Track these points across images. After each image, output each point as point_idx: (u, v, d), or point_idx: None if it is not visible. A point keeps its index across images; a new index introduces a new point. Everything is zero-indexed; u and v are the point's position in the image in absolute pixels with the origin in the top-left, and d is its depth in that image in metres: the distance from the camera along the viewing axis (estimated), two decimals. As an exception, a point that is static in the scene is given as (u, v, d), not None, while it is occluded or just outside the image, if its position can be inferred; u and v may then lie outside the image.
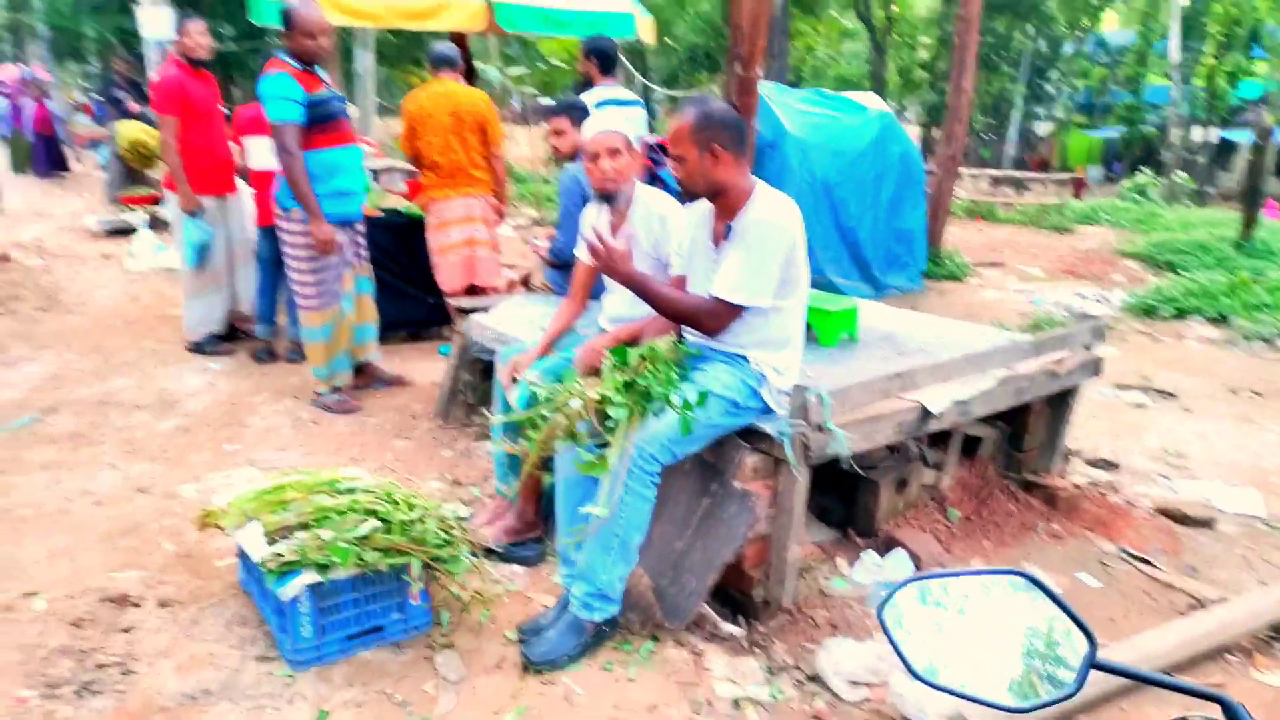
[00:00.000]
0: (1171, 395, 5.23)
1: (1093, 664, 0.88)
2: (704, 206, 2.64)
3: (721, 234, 2.58)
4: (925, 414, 2.94)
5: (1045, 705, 0.89)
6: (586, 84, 5.06)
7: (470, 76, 7.18)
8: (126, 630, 2.66)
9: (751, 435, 2.73)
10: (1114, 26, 36.06)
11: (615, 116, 3.08)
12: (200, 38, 4.99)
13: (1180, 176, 19.72)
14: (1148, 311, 7.37)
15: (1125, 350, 6.30)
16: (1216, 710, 0.84)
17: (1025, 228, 13.85)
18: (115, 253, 8.09)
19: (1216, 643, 2.67)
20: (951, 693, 0.92)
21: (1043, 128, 32.92)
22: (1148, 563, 3.24)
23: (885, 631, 0.96)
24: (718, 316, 2.53)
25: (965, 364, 3.06)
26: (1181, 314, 7.20)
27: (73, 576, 2.93)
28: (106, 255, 8.13)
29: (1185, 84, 25.37)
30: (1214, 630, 2.68)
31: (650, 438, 2.49)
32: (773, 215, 2.48)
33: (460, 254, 5.01)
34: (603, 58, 4.97)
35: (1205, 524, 3.58)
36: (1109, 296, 8.43)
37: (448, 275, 5.02)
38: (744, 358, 2.61)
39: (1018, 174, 17.99)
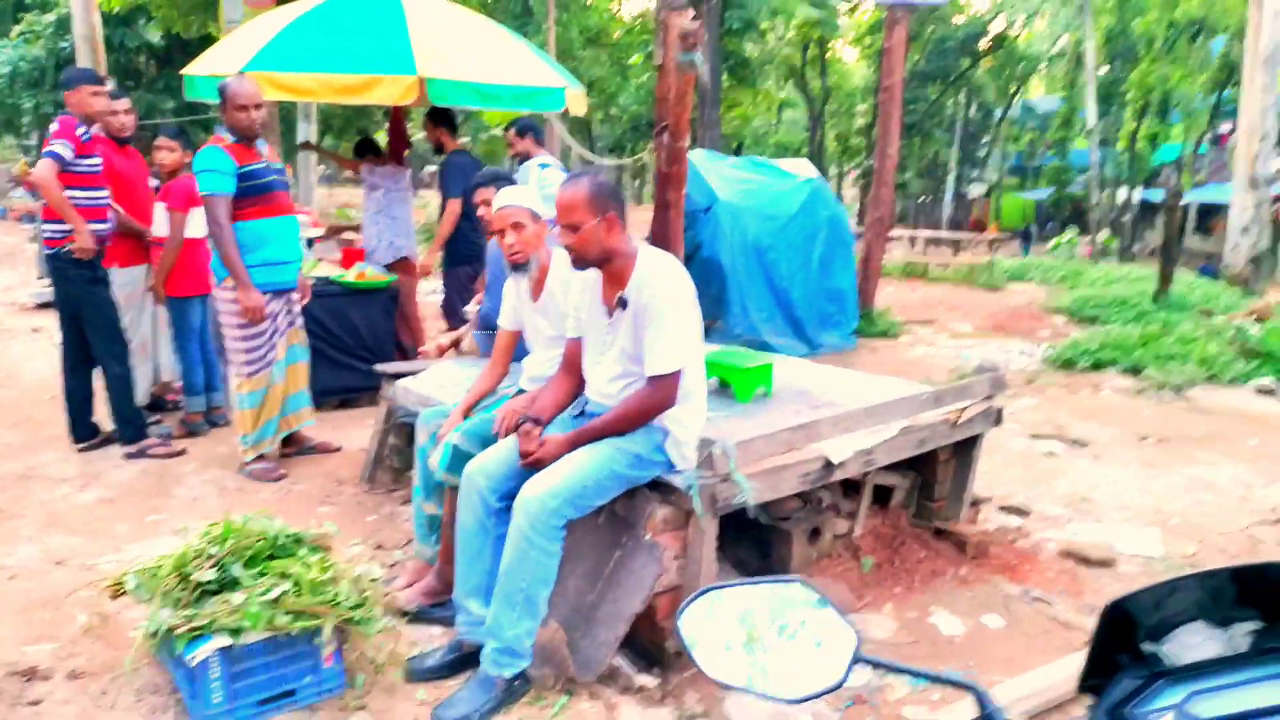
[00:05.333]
0: (1083, 444, 5.44)
1: (857, 658, 0.99)
2: (592, 273, 2.74)
3: (614, 303, 2.67)
4: (828, 464, 3.07)
5: (817, 696, 1.00)
6: (526, 158, 5.37)
7: (405, 145, 7.35)
8: (34, 704, 2.64)
9: (661, 487, 2.83)
10: (1041, 93, 37.80)
11: (518, 192, 3.21)
12: (124, 116, 5.07)
13: (1103, 235, 20.54)
14: (1067, 364, 7.66)
15: (1043, 401, 6.54)
16: (969, 696, 0.95)
17: (959, 286, 14.31)
18: (46, 326, 8.01)
19: (1107, 677, 2.78)
20: (736, 689, 1.03)
21: (976, 190, 34.17)
22: (1050, 604, 3.37)
23: (680, 639, 1.07)
24: (665, 392, 2.61)
25: (866, 415, 3.20)
26: (1098, 366, 7.49)
27: (-18, 651, 2.90)
28: (37, 329, 8.05)
29: (1108, 147, 26.59)
30: (1105, 665, 2.80)
31: (553, 493, 2.56)
32: (667, 279, 2.60)
33: None
34: (537, 134, 5.48)
35: (1106, 565, 3.73)
36: (1034, 351, 8.75)
37: None
38: None
39: (947, 234, 18.64)
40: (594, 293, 2.75)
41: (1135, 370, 7.26)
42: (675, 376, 2.60)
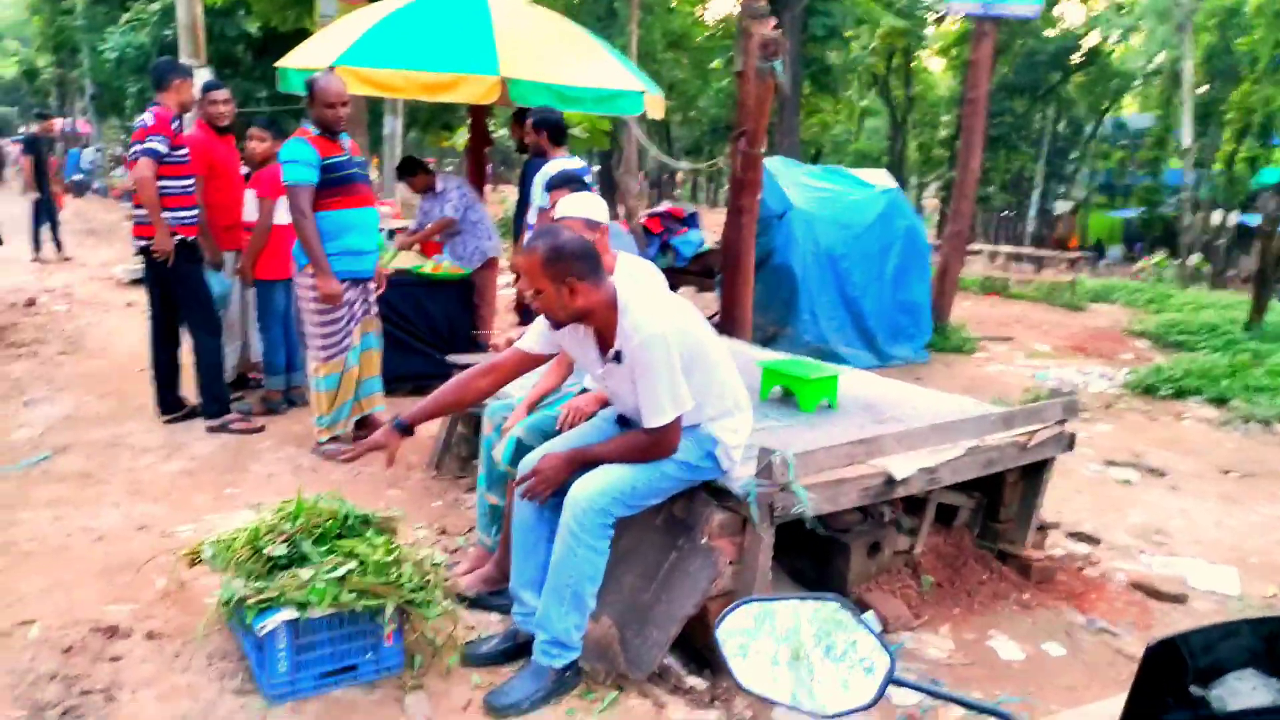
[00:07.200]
0: (1161, 473, 5.27)
1: (891, 679, 1.00)
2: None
3: (608, 355, 2.60)
4: (891, 480, 3.04)
5: (849, 713, 1.01)
6: (540, 155, 5.22)
7: (486, 142, 7.50)
8: (114, 660, 2.78)
9: (719, 493, 2.84)
10: (1134, 110, 36.62)
11: (577, 201, 3.23)
12: (224, 105, 5.27)
13: (1196, 259, 19.81)
14: (1148, 390, 7.41)
15: (1120, 427, 6.35)
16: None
17: (1038, 304, 13.94)
18: (139, 301, 8.36)
19: (1171, 714, 2.70)
20: (771, 701, 1.04)
21: (1061, 206, 33.23)
22: (1115, 635, 3.28)
23: (719, 649, 1.08)
24: (665, 438, 2.59)
25: (933, 433, 3.16)
26: (1181, 394, 7.24)
27: (67, 608, 3.06)
28: (130, 303, 8.42)
29: (1204, 168, 25.63)
30: (1169, 702, 2.72)
31: (601, 491, 2.60)
32: (647, 330, 2.48)
33: None
34: (553, 130, 5.18)
35: (1178, 600, 3.62)
36: (1114, 374, 8.49)
37: None
38: (692, 426, 2.69)
39: (1029, 250, 18.20)
40: (589, 343, 2.67)
41: (1221, 400, 7.00)
42: (674, 424, 2.57)
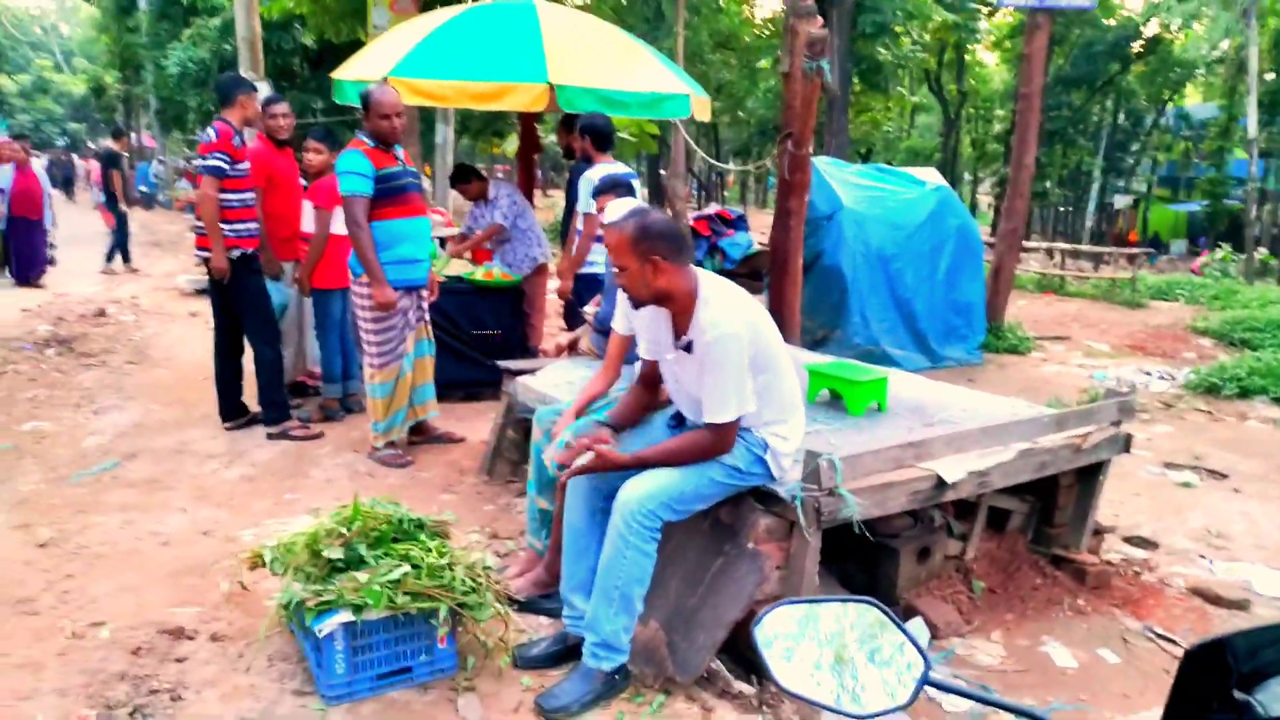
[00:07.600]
0: (1222, 475, 5.14)
1: (926, 682, 1.01)
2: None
3: (679, 342, 2.65)
4: (940, 483, 3.02)
5: (883, 714, 1.03)
6: (586, 160, 5.26)
7: (536, 149, 7.58)
8: (180, 660, 2.88)
9: (765, 498, 2.85)
10: (1197, 100, 35.57)
11: (623, 206, 3.26)
12: (283, 119, 5.42)
13: (1263, 253, 19.19)
14: (1211, 390, 7.22)
15: (1180, 428, 6.20)
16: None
17: (1096, 302, 13.64)
18: (202, 311, 8.62)
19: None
20: (808, 701, 1.06)
21: (1121, 200, 32.41)
22: (1173, 642, 3.22)
23: (756, 648, 1.11)
24: (723, 437, 2.63)
25: (983, 435, 3.13)
26: (1246, 393, 7.03)
27: (136, 610, 3.18)
28: (194, 313, 8.68)
29: (1271, 158, 24.79)
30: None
31: (650, 494, 2.63)
32: (723, 327, 2.52)
33: None
34: (597, 135, 5.20)
35: (1239, 606, 3.53)
36: (1174, 373, 8.28)
37: None
38: (746, 429, 2.71)
39: (1087, 247, 17.79)
40: (665, 327, 2.72)
41: (1288, 400, 6.79)
42: (734, 424, 2.61)
